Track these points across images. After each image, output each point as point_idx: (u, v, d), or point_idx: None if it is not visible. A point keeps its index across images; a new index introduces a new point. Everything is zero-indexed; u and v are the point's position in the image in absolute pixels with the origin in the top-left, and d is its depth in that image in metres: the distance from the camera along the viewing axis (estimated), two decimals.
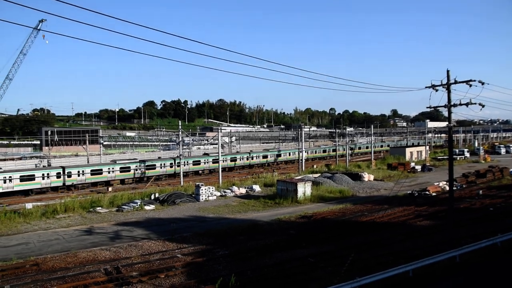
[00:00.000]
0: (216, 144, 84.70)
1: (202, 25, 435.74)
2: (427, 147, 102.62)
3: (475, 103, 25.09)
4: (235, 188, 54.99)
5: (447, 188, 38.94)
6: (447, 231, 27.18)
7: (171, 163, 74.16)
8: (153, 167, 72.04)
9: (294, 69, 27.87)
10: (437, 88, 26.11)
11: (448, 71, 25.79)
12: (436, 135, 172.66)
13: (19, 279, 23.07)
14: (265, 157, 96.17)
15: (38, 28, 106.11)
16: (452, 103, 25.91)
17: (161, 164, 73.17)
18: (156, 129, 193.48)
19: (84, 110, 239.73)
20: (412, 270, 21.51)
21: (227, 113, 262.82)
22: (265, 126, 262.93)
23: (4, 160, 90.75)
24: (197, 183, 52.03)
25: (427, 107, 27.80)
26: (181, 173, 65.35)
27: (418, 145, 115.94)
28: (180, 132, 71.93)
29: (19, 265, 25.69)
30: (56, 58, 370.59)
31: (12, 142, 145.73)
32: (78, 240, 32.07)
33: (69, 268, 24.86)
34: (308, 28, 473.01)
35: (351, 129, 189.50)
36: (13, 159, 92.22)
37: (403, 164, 78.22)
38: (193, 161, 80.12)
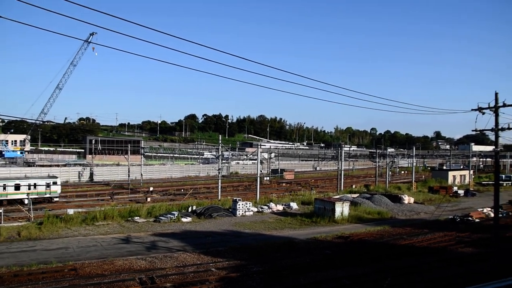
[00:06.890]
0: (255, 159, 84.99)
1: (243, 40, 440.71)
2: (471, 171, 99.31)
3: None
4: (272, 204, 54.72)
5: (492, 214, 37.47)
6: (491, 260, 26.00)
7: None
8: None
9: (336, 87, 27.66)
10: (484, 111, 25.25)
11: (496, 94, 24.94)
12: (481, 159, 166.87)
13: (58, 282, 23.68)
14: None
15: (89, 40, 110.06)
16: (500, 127, 24.97)
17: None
18: (196, 142, 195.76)
19: (128, 121, 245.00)
20: None
21: (267, 129, 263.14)
22: (304, 143, 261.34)
23: (50, 166, 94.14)
24: (234, 198, 52.18)
25: (472, 130, 26.87)
26: (219, 187, 65.74)
27: (461, 168, 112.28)
28: (220, 147, 72.45)
29: (58, 268, 26.47)
30: (103, 70, 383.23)
31: (58, 149, 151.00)
32: (115, 248, 32.68)
33: (105, 275, 25.30)
34: (352, 48, 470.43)
35: (392, 149, 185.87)
36: (58, 166, 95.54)
37: (445, 188, 75.98)
38: None
